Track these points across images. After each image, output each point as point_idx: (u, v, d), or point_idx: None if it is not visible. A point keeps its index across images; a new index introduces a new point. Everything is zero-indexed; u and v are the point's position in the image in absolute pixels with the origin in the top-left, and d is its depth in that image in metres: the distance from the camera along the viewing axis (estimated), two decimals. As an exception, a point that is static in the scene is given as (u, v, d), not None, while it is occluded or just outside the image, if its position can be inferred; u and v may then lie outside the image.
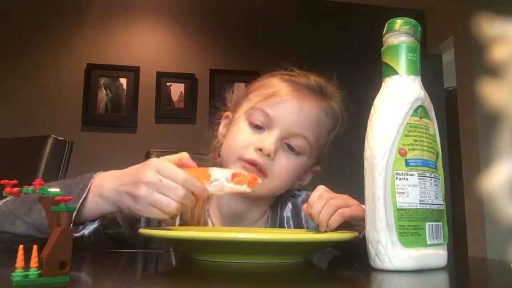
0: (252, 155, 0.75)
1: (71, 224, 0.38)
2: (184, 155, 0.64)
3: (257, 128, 0.78)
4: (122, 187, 0.61)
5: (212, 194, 0.64)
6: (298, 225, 0.86)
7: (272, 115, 0.77)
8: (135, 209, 0.60)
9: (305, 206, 0.67)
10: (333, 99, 0.85)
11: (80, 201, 0.62)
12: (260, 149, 0.75)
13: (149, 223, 0.79)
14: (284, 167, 0.77)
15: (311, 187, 0.91)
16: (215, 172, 0.63)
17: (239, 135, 0.79)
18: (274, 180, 0.77)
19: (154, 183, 0.58)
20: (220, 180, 0.62)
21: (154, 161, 0.61)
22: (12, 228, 0.66)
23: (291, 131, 0.77)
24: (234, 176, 0.63)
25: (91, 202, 0.63)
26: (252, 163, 0.75)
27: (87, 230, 0.65)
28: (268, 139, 0.76)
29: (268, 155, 0.75)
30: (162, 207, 0.58)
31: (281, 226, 0.84)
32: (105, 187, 0.63)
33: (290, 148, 0.78)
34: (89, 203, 0.63)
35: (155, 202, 0.58)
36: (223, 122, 0.88)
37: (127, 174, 0.62)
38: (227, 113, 0.88)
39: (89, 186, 0.64)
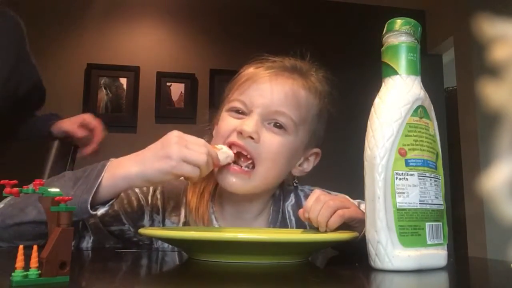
0: (233, 138, 0.76)
1: (72, 224, 0.38)
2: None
3: (238, 113, 0.79)
4: (152, 156, 0.66)
5: (222, 164, 0.73)
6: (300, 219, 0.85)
7: (248, 101, 0.78)
8: (170, 166, 0.65)
9: (301, 211, 0.67)
10: (312, 76, 0.84)
11: (100, 179, 0.66)
12: (241, 132, 0.75)
13: (153, 221, 0.79)
14: (269, 146, 0.76)
15: (312, 183, 0.91)
16: (219, 145, 0.75)
17: (222, 124, 0.80)
18: (265, 162, 0.76)
19: (182, 141, 0.66)
20: (224, 148, 0.74)
21: (174, 132, 0.68)
22: (22, 216, 0.66)
23: (269, 110, 0.77)
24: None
25: (108, 181, 0.66)
26: (233, 144, 0.76)
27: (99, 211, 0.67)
28: (247, 122, 0.76)
29: (250, 137, 0.75)
30: (193, 158, 0.65)
31: (283, 219, 0.84)
32: (125, 164, 0.68)
33: (276, 126, 0.78)
34: (105, 183, 0.66)
35: (187, 155, 0.65)
36: (215, 130, 0.87)
37: (150, 149, 0.68)
38: (215, 119, 0.88)
39: (106, 166, 0.67)
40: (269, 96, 0.78)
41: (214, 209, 0.83)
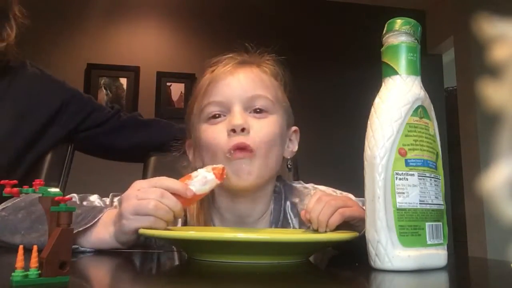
0: (234, 140, 0.74)
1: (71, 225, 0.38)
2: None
3: (217, 118, 0.77)
4: (118, 216, 0.64)
5: (200, 193, 0.65)
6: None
7: (222, 98, 0.77)
8: (122, 225, 0.62)
9: (303, 212, 0.67)
10: (264, 62, 0.85)
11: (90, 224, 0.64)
12: (233, 130, 0.74)
13: None
14: (262, 132, 0.76)
15: (313, 183, 0.91)
16: (196, 172, 0.66)
17: (206, 136, 0.77)
18: (260, 151, 0.75)
19: (132, 194, 0.63)
20: (201, 174, 0.65)
21: (133, 184, 0.65)
22: (10, 238, 0.68)
23: (246, 97, 0.77)
24: (213, 169, 0.67)
25: (97, 233, 0.65)
26: (240, 147, 0.73)
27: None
28: (233, 117, 0.75)
29: (243, 128, 0.74)
30: (140, 209, 0.61)
31: (285, 219, 0.84)
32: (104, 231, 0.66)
33: (259, 112, 0.78)
34: (94, 234, 0.65)
35: (135, 208, 0.61)
36: (190, 152, 0.86)
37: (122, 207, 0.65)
38: (188, 142, 0.86)
39: (99, 217, 0.66)
40: (239, 86, 0.78)
41: (214, 218, 0.83)
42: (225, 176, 0.67)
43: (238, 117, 0.75)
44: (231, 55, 0.84)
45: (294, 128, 0.86)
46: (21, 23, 1.05)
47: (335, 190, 0.87)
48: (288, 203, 0.85)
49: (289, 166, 0.89)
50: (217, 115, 0.78)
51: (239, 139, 0.74)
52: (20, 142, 1.04)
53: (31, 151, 1.06)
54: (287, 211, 0.84)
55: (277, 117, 0.80)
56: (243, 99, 0.77)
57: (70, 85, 1.18)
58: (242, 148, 0.73)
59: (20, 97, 1.07)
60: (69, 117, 1.12)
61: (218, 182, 0.66)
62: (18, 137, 1.04)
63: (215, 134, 0.76)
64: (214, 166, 0.67)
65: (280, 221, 0.83)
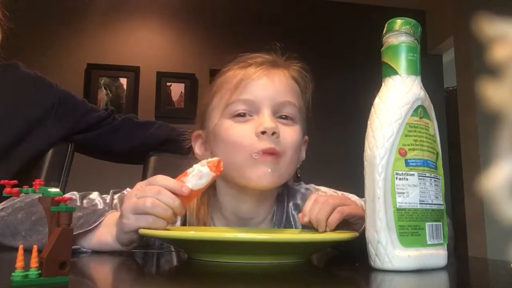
0: (263, 144, 0.72)
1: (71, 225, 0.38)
2: None
3: (243, 116, 0.76)
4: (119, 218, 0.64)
5: (197, 188, 0.63)
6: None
7: (253, 98, 0.76)
8: (123, 224, 0.62)
9: (300, 215, 0.66)
10: (292, 66, 0.84)
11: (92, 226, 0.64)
12: (263, 132, 0.72)
13: None
14: (289, 139, 0.75)
15: (314, 183, 0.91)
16: (191, 168, 0.65)
17: (233, 134, 0.75)
18: (286, 155, 0.75)
19: (132, 193, 0.63)
20: (196, 169, 0.64)
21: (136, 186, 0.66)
22: (11, 241, 0.68)
23: (277, 102, 0.76)
24: (208, 162, 0.65)
25: (99, 235, 0.65)
26: (269, 152, 0.72)
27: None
28: (265, 119, 0.74)
29: (274, 132, 0.73)
30: (138, 207, 0.60)
31: (287, 220, 0.83)
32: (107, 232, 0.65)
33: (285, 118, 0.77)
34: (96, 236, 0.65)
35: (134, 206, 0.61)
36: (197, 143, 0.84)
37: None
38: (196, 133, 0.84)
39: (102, 219, 0.66)
40: (272, 89, 0.77)
41: (214, 219, 0.82)
42: (222, 169, 0.66)
43: (269, 121, 0.74)
44: (261, 54, 0.83)
45: (305, 138, 0.86)
46: (7, 27, 1.06)
47: (336, 191, 0.87)
48: (290, 204, 0.85)
49: (298, 175, 0.88)
50: (242, 114, 0.76)
51: (269, 143, 0.73)
52: (7, 137, 1.04)
53: (20, 148, 1.06)
54: (289, 213, 0.84)
55: (299, 126, 0.79)
56: (273, 103, 0.76)
57: (63, 87, 1.18)
58: (271, 153, 0.73)
59: (8, 95, 1.07)
60: (63, 117, 1.12)
61: (214, 175, 0.64)
62: (5, 133, 1.04)
63: (242, 133, 0.74)
64: (209, 160, 0.65)
65: (283, 223, 0.83)
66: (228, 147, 0.76)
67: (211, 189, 0.80)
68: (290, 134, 0.76)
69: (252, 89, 0.77)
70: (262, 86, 0.77)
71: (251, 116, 0.76)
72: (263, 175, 0.73)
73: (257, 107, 0.76)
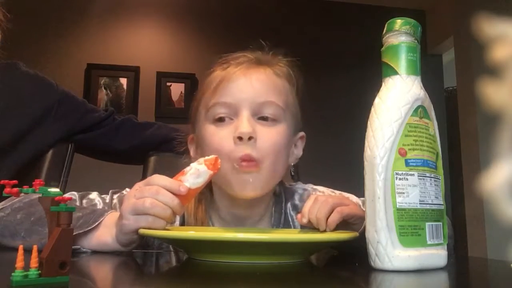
0: (241, 150, 0.71)
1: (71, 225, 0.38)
2: None
3: (223, 121, 0.75)
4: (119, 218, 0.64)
5: (195, 187, 0.63)
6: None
7: (232, 100, 0.74)
8: (123, 224, 0.62)
9: (299, 216, 0.66)
10: (279, 63, 0.82)
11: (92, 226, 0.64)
12: (240, 137, 0.71)
13: None
14: (268, 142, 0.73)
15: (313, 183, 0.90)
16: (189, 166, 0.64)
17: (214, 140, 0.74)
18: (268, 158, 0.73)
19: (131, 194, 0.63)
20: (193, 167, 0.63)
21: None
22: (11, 241, 0.68)
23: (257, 103, 0.74)
24: (205, 161, 0.65)
25: (99, 236, 0.65)
26: (245, 159, 0.71)
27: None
28: (241, 123, 0.72)
29: (251, 137, 0.71)
30: (137, 207, 0.60)
31: (286, 221, 0.83)
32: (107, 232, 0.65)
33: (265, 119, 0.75)
34: (96, 236, 0.65)
35: (133, 207, 0.61)
36: (192, 147, 0.84)
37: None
38: (190, 136, 0.84)
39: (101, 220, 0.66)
40: (251, 89, 0.75)
41: (212, 218, 0.82)
42: (219, 166, 0.65)
43: (246, 124, 0.72)
44: (244, 53, 0.80)
45: (301, 134, 0.84)
46: (7, 27, 1.06)
47: (334, 191, 0.87)
48: (288, 205, 0.85)
49: (292, 173, 0.87)
50: (223, 118, 0.75)
51: (245, 149, 0.71)
52: (7, 137, 1.04)
53: (20, 147, 1.06)
54: (288, 214, 0.84)
55: (284, 125, 0.77)
56: (253, 104, 0.74)
57: (64, 87, 1.18)
58: (249, 160, 0.71)
59: (7, 94, 1.07)
60: (62, 116, 1.12)
61: (211, 172, 0.64)
62: (5, 132, 1.04)
63: (221, 139, 0.73)
64: (206, 158, 0.65)
65: (282, 223, 0.82)
66: (212, 153, 0.74)
67: (208, 189, 0.80)
68: (270, 136, 0.74)
69: (231, 91, 0.75)
70: (240, 86, 0.75)
71: (231, 120, 0.74)
72: (245, 185, 0.72)
73: (235, 109, 0.74)
